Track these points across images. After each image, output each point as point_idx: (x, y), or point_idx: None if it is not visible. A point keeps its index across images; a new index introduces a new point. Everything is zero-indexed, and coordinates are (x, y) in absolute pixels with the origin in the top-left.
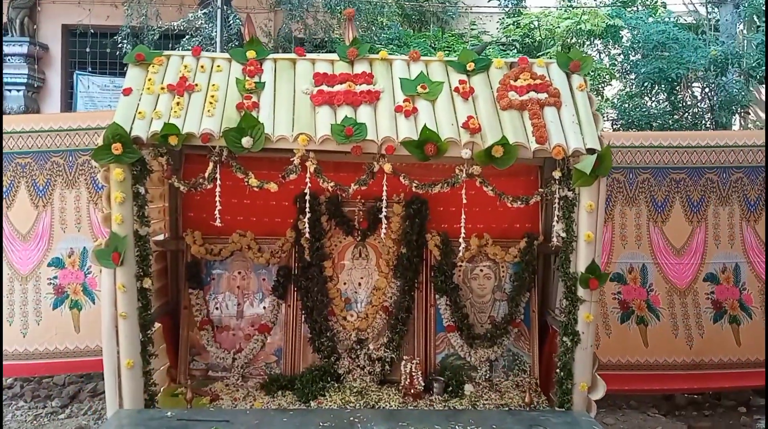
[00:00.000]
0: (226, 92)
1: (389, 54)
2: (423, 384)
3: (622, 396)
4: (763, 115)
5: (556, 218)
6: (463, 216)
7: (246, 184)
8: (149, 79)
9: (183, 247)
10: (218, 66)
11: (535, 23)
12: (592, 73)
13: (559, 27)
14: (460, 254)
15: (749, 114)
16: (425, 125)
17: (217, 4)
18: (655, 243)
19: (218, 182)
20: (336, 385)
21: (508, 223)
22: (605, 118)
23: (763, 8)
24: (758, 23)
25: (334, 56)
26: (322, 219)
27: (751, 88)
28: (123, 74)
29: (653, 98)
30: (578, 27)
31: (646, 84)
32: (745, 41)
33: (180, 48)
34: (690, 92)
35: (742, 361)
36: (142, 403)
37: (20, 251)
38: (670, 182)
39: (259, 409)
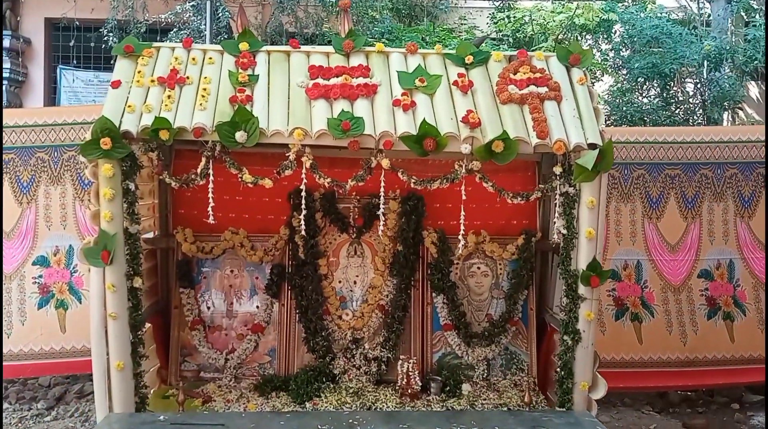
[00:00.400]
0: (218, 85)
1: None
2: (420, 384)
3: (617, 393)
4: (754, 112)
5: (556, 215)
6: (463, 212)
7: (240, 180)
8: (139, 72)
9: (173, 245)
10: (210, 58)
11: (528, 18)
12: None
13: (553, 21)
14: (459, 251)
15: (742, 110)
16: (424, 119)
17: None
18: (650, 239)
19: (211, 178)
20: (331, 385)
21: (505, 219)
22: None
23: (753, 4)
24: (746, 18)
25: (329, 49)
26: (316, 216)
27: (744, 84)
28: (108, 69)
29: (644, 94)
30: (572, 22)
31: (639, 79)
32: (733, 36)
33: (168, 42)
34: (682, 88)
35: (736, 358)
36: (133, 407)
37: (4, 250)
38: (664, 178)
39: (255, 412)
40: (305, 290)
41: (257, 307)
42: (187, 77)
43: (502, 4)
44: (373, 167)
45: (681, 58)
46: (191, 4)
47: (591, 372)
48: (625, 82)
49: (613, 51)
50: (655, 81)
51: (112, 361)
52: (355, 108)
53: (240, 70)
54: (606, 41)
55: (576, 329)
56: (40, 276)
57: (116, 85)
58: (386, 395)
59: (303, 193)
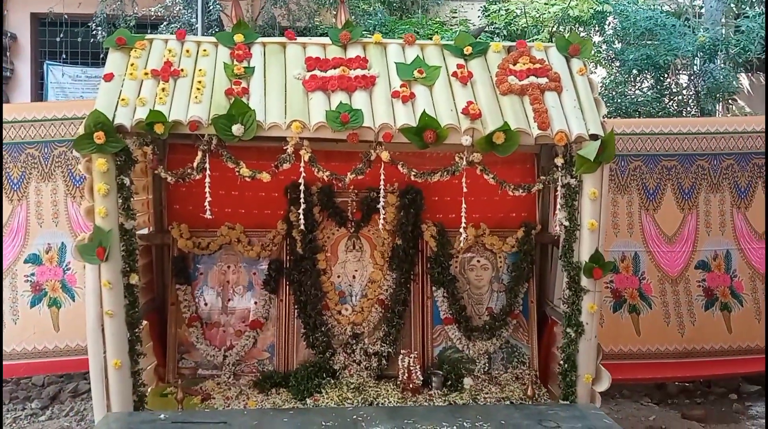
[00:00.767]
0: (213, 78)
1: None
2: (421, 378)
3: (615, 385)
4: (745, 104)
5: (558, 206)
6: (464, 205)
7: (237, 174)
8: (132, 64)
9: (169, 242)
10: (204, 50)
11: (521, 10)
12: None
13: (547, 13)
14: (461, 244)
15: (736, 101)
16: (424, 111)
17: None
18: (647, 231)
19: (207, 172)
20: (332, 381)
21: (504, 212)
22: None
23: None
24: (736, 11)
25: (326, 40)
26: (314, 210)
27: (738, 75)
28: (96, 64)
29: (638, 86)
30: (566, 14)
31: (633, 71)
32: (725, 28)
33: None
34: (676, 79)
35: (734, 348)
36: (131, 405)
37: None
38: (661, 169)
39: (257, 409)
40: (304, 285)
41: (255, 303)
42: (182, 70)
43: None
44: (373, 160)
45: (675, 49)
46: None
47: (594, 364)
48: (618, 75)
49: (605, 44)
50: (648, 73)
51: (109, 359)
52: (354, 100)
53: (235, 62)
54: (599, 33)
55: (579, 321)
56: (33, 274)
57: (109, 78)
58: (387, 390)
59: (302, 187)
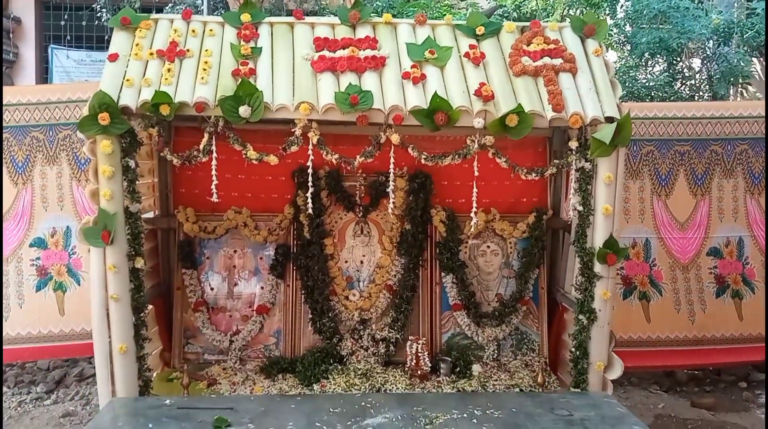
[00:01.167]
0: (220, 58)
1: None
2: (430, 365)
3: (624, 372)
4: (756, 90)
5: (572, 191)
6: (475, 189)
7: (244, 157)
8: (137, 44)
9: (174, 226)
10: (211, 30)
11: None
12: None
13: None
14: (472, 229)
15: (750, 86)
16: (435, 93)
17: None
18: (659, 217)
19: (214, 155)
20: (339, 367)
21: (515, 197)
22: None
23: None
24: None
25: (334, 20)
26: (321, 194)
27: (753, 59)
28: (101, 48)
29: (649, 70)
30: None
31: (644, 55)
32: (738, 11)
33: None
34: (689, 63)
35: (744, 336)
36: (137, 391)
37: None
38: (674, 154)
39: (264, 395)
40: (311, 270)
41: (261, 288)
42: (188, 50)
43: None
44: (382, 143)
45: (688, 32)
46: None
47: (606, 352)
48: (629, 58)
49: (617, 27)
50: (661, 56)
51: (115, 344)
52: (363, 81)
53: (242, 43)
54: (610, 16)
55: (591, 308)
56: (38, 258)
57: (113, 58)
58: (395, 376)
59: (311, 170)
